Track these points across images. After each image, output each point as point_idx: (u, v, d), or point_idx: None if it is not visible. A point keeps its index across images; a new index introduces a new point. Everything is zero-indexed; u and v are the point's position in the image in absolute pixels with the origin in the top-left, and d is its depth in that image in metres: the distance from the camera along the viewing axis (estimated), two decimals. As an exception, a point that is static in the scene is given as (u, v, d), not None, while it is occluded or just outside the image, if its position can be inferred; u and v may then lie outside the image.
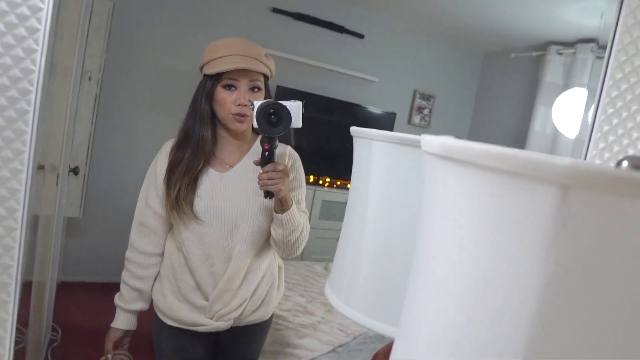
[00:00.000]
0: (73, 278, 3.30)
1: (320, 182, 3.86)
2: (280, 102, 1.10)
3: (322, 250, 3.45)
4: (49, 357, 2.35)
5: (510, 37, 3.90)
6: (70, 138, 2.33)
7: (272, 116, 1.09)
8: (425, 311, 0.40)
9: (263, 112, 1.09)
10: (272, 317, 1.44)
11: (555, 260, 0.29)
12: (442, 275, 0.39)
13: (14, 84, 0.57)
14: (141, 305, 1.34)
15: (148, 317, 1.38)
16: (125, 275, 1.34)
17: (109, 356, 1.30)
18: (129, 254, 1.34)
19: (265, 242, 1.32)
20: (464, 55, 4.52)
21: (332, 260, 2.51)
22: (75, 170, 2.69)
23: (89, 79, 3.00)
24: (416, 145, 0.67)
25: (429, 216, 0.43)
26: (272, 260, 1.38)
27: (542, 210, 0.30)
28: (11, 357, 0.66)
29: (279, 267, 1.44)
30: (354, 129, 0.78)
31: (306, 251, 3.67)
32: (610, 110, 0.83)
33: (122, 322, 1.32)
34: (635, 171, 0.30)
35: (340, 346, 1.96)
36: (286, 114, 1.09)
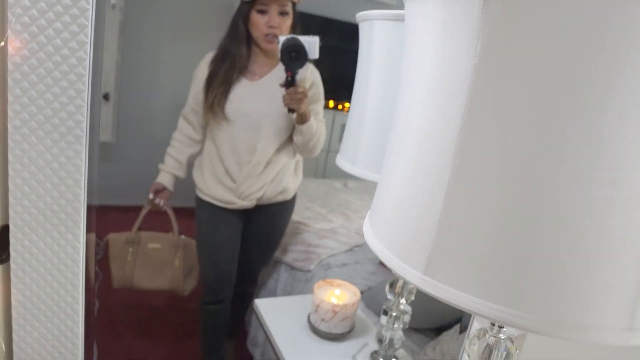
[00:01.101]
0: (106, 202, 3.55)
1: (340, 107, 3.97)
2: (300, 38, 1.32)
3: (341, 169, 3.62)
4: (97, 269, 2.64)
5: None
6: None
7: (292, 53, 1.32)
8: (395, 145, 0.54)
9: (285, 49, 1.32)
10: (294, 198, 1.72)
11: (481, 46, 0.42)
12: (410, 104, 0.51)
13: (74, 20, 0.72)
14: (177, 172, 1.67)
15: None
16: (169, 149, 1.67)
17: (150, 196, 1.66)
18: (175, 134, 1.66)
19: (285, 141, 1.57)
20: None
21: (350, 179, 2.68)
22: (106, 96, 2.86)
23: (113, 7, 3.10)
24: (409, 21, 0.78)
25: (404, 63, 0.55)
26: (290, 156, 1.61)
27: (471, 10, 0.42)
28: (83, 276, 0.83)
29: (297, 161, 1.69)
30: (358, 15, 0.89)
31: (327, 170, 3.85)
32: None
33: (162, 178, 1.65)
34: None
35: (357, 246, 2.16)
36: (303, 52, 1.33)
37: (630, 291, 0.40)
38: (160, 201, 1.65)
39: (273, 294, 2.00)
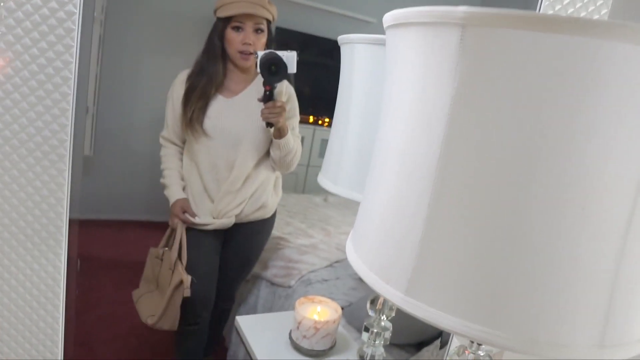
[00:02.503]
0: (84, 216, 3.48)
1: (320, 122, 4.00)
2: (278, 53, 1.34)
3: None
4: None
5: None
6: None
7: (272, 67, 1.34)
8: (377, 168, 0.56)
9: (264, 63, 1.33)
10: (273, 216, 1.72)
11: (459, 79, 0.44)
12: (391, 130, 0.53)
13: (59, 40, 0.72)
14: (182, 182, 1.61)
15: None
16: (166, 165, 1.61)
17: (181, 216, 1.56)
18: (163, 153, 1.63)
19: (262, 157, 1.58)
20: (462, -5, 4.52)
21: (330, 194, 2.69)
22: (85, 109, 2.83)
23: (93, 20, 3.09)
24: (390, 45, 0.80)
25: (386, 88, 0.57)
26: (269, 172, 1.63)
27: (450, 44, 0.44)
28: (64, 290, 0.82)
29: (277, 177, 1.70)
30: (340, 37, 0.92)
31: (307, 185, 3.86)
32: None
33: (177, 193, 1.58)
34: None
35: (337, 262, 2.17)
36: (283, 65, 1.34)
37: (600, 310, 0.42)
38: (194, 216, 1.58)
39: (254, 310, 1.99)
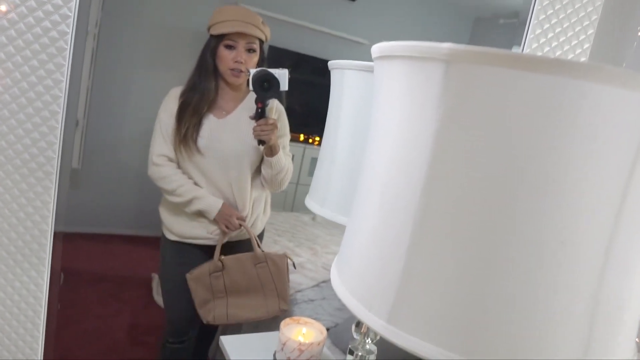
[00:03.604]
0: (70, 229, 3.43)
1: (310, 140, 4.02)
2: (270, 70, 1.35)
3: (310, 204, 3.65)
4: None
5: (500, 2, 4.00)
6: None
7: (265, 83, 1.34)
8: (362, 196, 0.57)
9: (256, 80, 1.34)
10: (262, 233, 1.72)
11: (443, 112, 0.45)
12: (376, 158, 0.54)
13: (51, 58, 0.73)
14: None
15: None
16: (171, 197, 1.53)
17: (234, 221, 1.52)
18: (159, 184, 1.53)
19: (254, 176, 1.57)
20: (454, 19, 4.61)
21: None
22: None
23: (86, 34, 3.10)
24: (379, 72, 0.82)
25: (373, 116, 0.59)
26: (261, 191, 1.62)
27: (434, 79, 0.45)
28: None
29: (266, 197, 1.69)
30: (330, 62, 0.93)
31: (295, 204, 3.86)
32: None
33: (216, 200, 1.52)
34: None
35: (324, 281, 2.16)
36: (275, 82, 1.34)
37: (580, 341, 0.43)
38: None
39: (239, 329, 1.97)
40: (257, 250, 1.55)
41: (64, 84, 0.73)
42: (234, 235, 1.59)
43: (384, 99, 0.55)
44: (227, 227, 1.53)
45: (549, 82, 0.39)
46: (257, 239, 1.58)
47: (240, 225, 1.53)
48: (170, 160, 1.53)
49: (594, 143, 0.39)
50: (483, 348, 0.43)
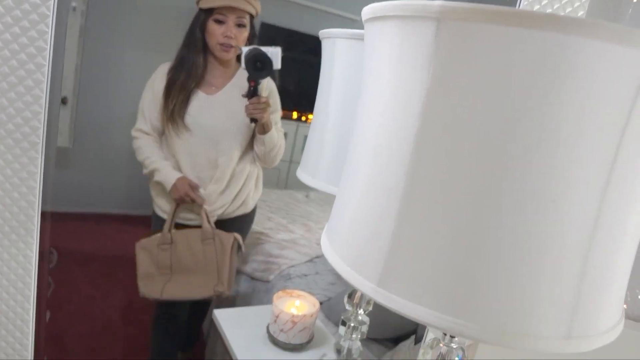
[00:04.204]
0: (61, 209, 3.39)
1: (303, 118, 3.99)
2: (263, 49, 1.34)
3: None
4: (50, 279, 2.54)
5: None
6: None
7: (257, 62, 1.34)
8: (352, 161, 0.56)
9: (249, 59, 1.33)
10: (253, 211, 1.71)
11: (434, 72, 0.44)
12: (366, 123, 0.53)
13: (33, 25, 0.70)
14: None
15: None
16: (144, 165, 1.54)
17: (192, 193, 1.50)
18: (136, 156, 1.55)
19: (244, 152, 1.57)
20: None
21: (312, 190, 2.70)
22: (63, 100, 2.78)
23: (74, 10, 3.03)
24: (370, 40, 0.80)
25: (363, 80, 0.58)
26: (251, 170, 1.61)
27: (425, 38, 0.44)
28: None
29: (258, 173, 1.68)
30: (321, 32, 0.91)
31: (288, 182, 3.86)
32: None
33: (174, 172, 1.51)
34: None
35: (317, 257, 2.17)
36: (268, 61, 1.34)
37: (568, 303, 0.43)
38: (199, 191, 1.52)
39: (232, 304, 1.99)
40: (206, 225, 1.53)
41: (48, 52, 0.72)
42: (224, 215, 1.58)
43: (374, 62, 0.54)
44: (180, 201, 1.51)
45: (545, 39, 0.38)
46: (207, 214, 1.54)
47: (193, 201, 1.51)
48: (146, 133, 1.53)
49: (589, 100, 0.39)
50: (473, 309, 0.43)
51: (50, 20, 0.71)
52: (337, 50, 0.86)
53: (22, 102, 0.72)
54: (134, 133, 1.56)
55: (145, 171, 1.54)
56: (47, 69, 0.72)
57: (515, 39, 0.39)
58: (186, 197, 1.49)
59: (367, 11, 0.54)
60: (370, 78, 0.54)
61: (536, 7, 0.89)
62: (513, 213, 0.41)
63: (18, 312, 0.78)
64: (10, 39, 0.70)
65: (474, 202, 0.42)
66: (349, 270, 0.50)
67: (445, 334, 0.61)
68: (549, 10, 0.87)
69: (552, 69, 0.39)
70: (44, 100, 0.72)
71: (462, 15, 0.42)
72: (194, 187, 1.51)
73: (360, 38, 0.84)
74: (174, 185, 1.49)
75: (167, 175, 1.50)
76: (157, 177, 1.51)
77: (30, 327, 0.80)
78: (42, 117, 0.73)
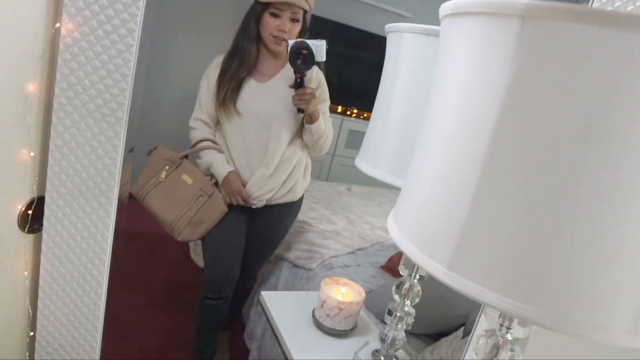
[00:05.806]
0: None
1: (348, 112, 4.02)
2: (307, 41, 1.39)
3: (345, 175, 3.70)
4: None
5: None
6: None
7: (301, 55, 1.39)
8: (425, 148, 0.58)
9: (294, 52, 1.39)
10: (301, 199, 1.76)
11: (516, 67, 0.46)
12: (439, 116, 0.55)
13: (126, 8, 0.77)
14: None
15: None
16: (199, 156, 1.64)
17: (243, 193, 1.60)
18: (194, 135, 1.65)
19: (294, 141, 1.62)
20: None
21: (354, 184, 2.71)
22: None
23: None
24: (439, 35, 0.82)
25: (437, 75, 0.60)
26: (301, 156, 1.66)
27: (509, 34, 0.46)
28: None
29: (307, 162, 1.73)
30: (388, 26, 0.94)
31: (330, 174, 3.89)
32: None
33: (226, 166, 1.60)
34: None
35: (359, 249, 2.20)
36: (311, 54, 1.39)
37: (637, 297, 0.44)
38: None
39: (274, 289, 2.04)
40: (208, 181, 1.61)
41: (137, 34, 0.77)
42: (272, 200, 1.64)
43: (452, 57, 0.55)
44: (232, 197, 1.60)
45: (629, 39, 0.40)
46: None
47: (245, 201, 1.60)
48: (206, 124, 1.62)
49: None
50: (541, 295, 0.44)
51: (142, 4, 0.76)
52: (403, 44, 0.88)
53: (112, 79, 0.77)
54: (191, 123, 1.64)
55: (198, 160, 1.63)
56: (135, 49, 0.77)
57: (597, 39, 0.41)
58: (238, 197, 1.58)
59: (447, 7, 0.56)
60: (445, 71, 0.56)
61: (604, 0, 0.88)
62: (590, 206, 0.42)
63: (94, 275, 0.84)
64: (104, 20, 0.76)
65: (549, 192, 0.43)
66: (417, 252, 0.53)
67: (502, 326, 0.63)
68: (617, 4, 0.86)
69: (633, 69, 0.40)
70: (130, 78, 0.78)
71: (547, 13, 0.43)
72: (244, 184, 1.60)
73: (428, 33, 0.85)
74: (226, 177, 1.57)
75: (220, 169, 1.58)
76: (212, 171, 1.60)
77: (104, 289, 0.86)
78: (128, 93, 0.78)
